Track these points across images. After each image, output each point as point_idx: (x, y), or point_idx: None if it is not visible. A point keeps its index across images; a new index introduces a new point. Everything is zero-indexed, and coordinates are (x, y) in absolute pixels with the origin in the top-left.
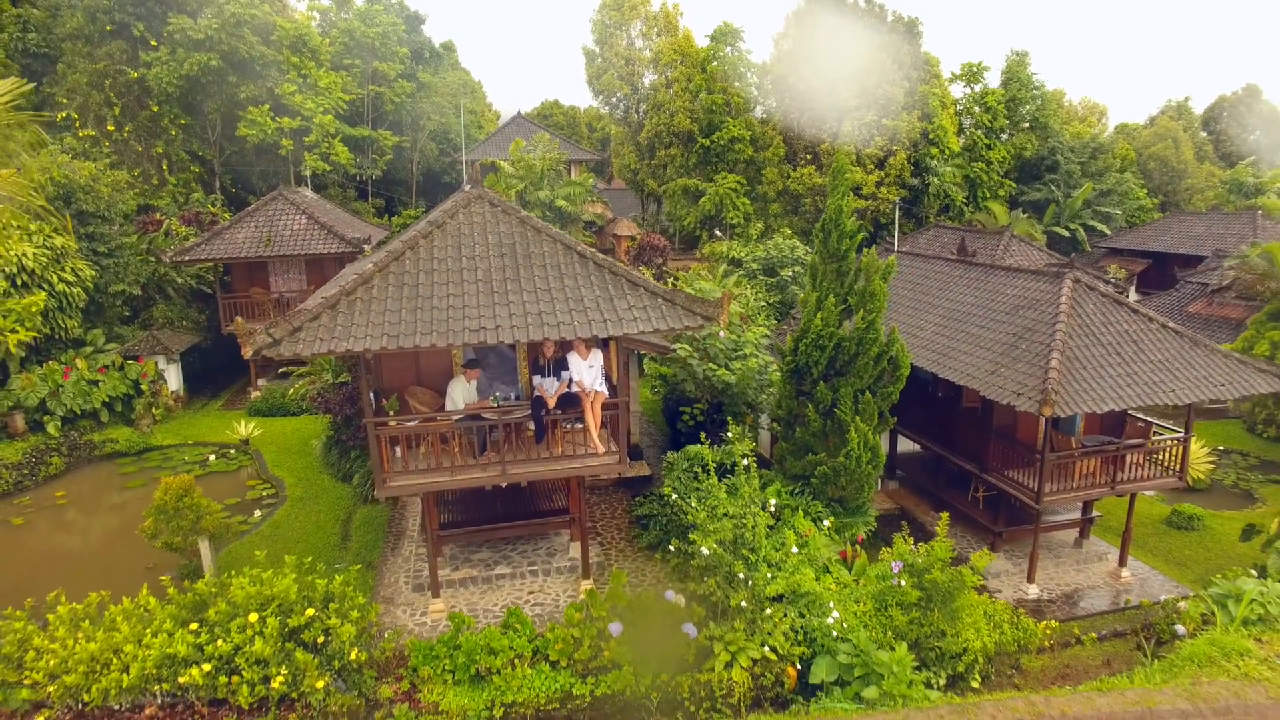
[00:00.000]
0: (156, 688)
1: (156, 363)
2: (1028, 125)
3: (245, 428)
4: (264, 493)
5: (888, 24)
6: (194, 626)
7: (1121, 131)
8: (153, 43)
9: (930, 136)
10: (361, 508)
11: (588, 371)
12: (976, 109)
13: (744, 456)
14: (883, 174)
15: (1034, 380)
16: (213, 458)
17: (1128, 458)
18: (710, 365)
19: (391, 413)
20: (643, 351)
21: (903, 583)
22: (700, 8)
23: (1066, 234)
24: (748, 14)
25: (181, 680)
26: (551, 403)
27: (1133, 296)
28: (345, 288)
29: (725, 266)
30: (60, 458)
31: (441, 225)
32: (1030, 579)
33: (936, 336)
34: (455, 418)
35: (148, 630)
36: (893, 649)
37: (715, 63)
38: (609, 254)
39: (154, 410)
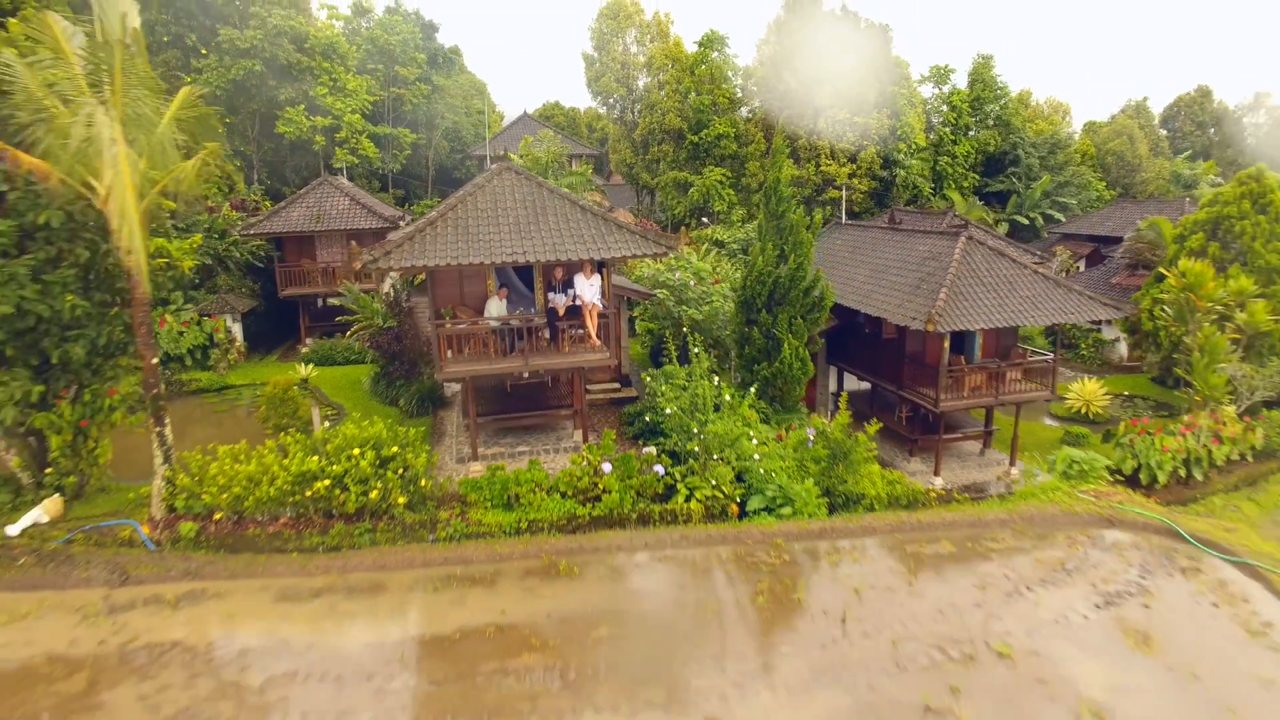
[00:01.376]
0: (291, 499)
1: (225, 320)
2: (992, 123)
3: (304, 369)
4: (327, 413)
5: (861, 30)
6: (316, 456)
7: (1088, 129)
8: (203, 51)
9: (898, 133)
10: (408, 422)
11: (589, 288)
12: (944, 108)
13: (700, 360)
14: (854, 166)
15: (926, 308)
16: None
17: (1008, 374)
18: (683, 307)
19: (446, 318)
20: (632, 299)
21: (814, 444)
22: (691, 16)
23: (1026, 222)
24: (736, 21)
25: (308, 494)
26: (561, 312)
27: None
28: (418, 226)
29: (708, 246)
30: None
31: (481, 186)
32: (936, 473)
33: (864, 284)
34: (492, 324)
35: (286, 459)
36: (805, 493)
37: (703, 67)
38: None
39: (229, 356)
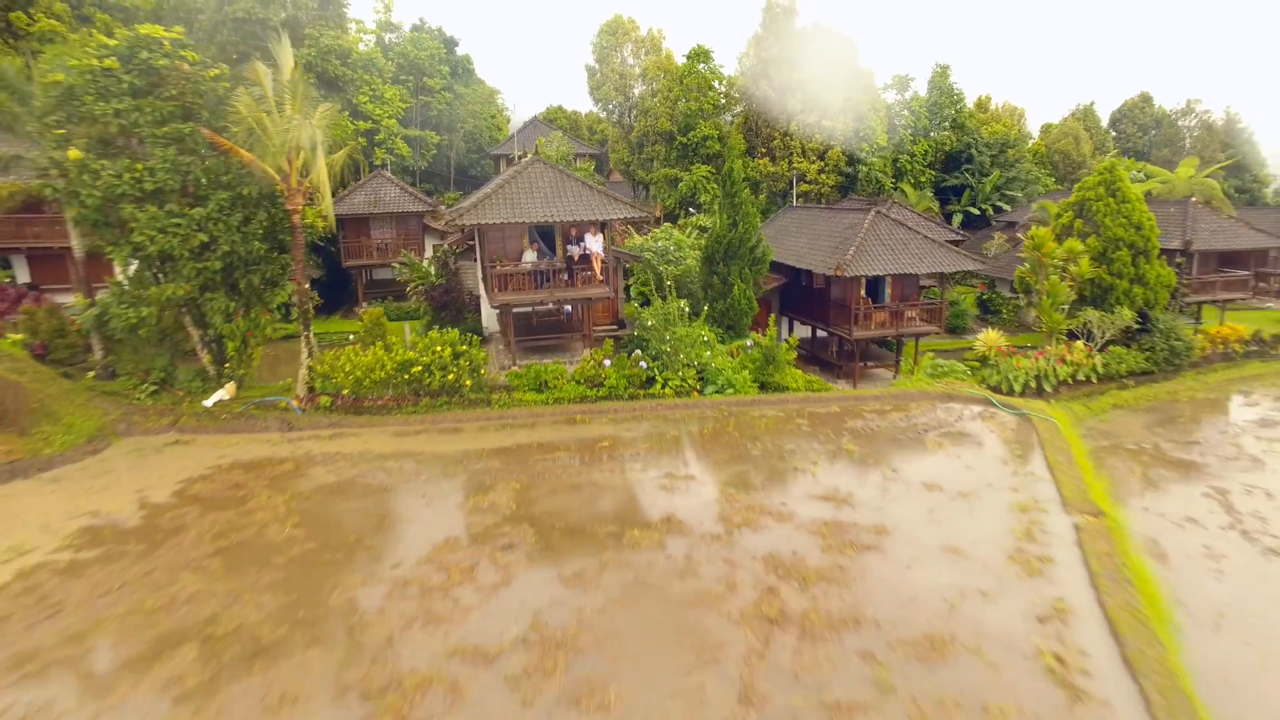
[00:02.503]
0: (394, 381)
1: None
2: (948, 125)
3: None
4: (414, 329)
5: (830, 44)
6: (412, 351)
7: (1043, 130)
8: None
9: (861, 134)
10: None
11: (595, 243)
12: (905, 112)
13: (673, 297)
14: (823, 163)
15: (839, 259)
16: (351, 336)
17: (905, 313)
18: (665, 265)
19: (498, 263)
20: (627, 265)
21: (751, 350)
22: (681, 32)
23: (978, 212)
24: (721, 34)
25: (405, 376)
26: (576, 259)
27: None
28: (478, 197)
29: (693, 229)
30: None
31: (520, 172)
32: (854, 387)
33: (803, 248)
34: (526, 268)
35: (389, 354)
36: (742, 379)
37: (691, 77)
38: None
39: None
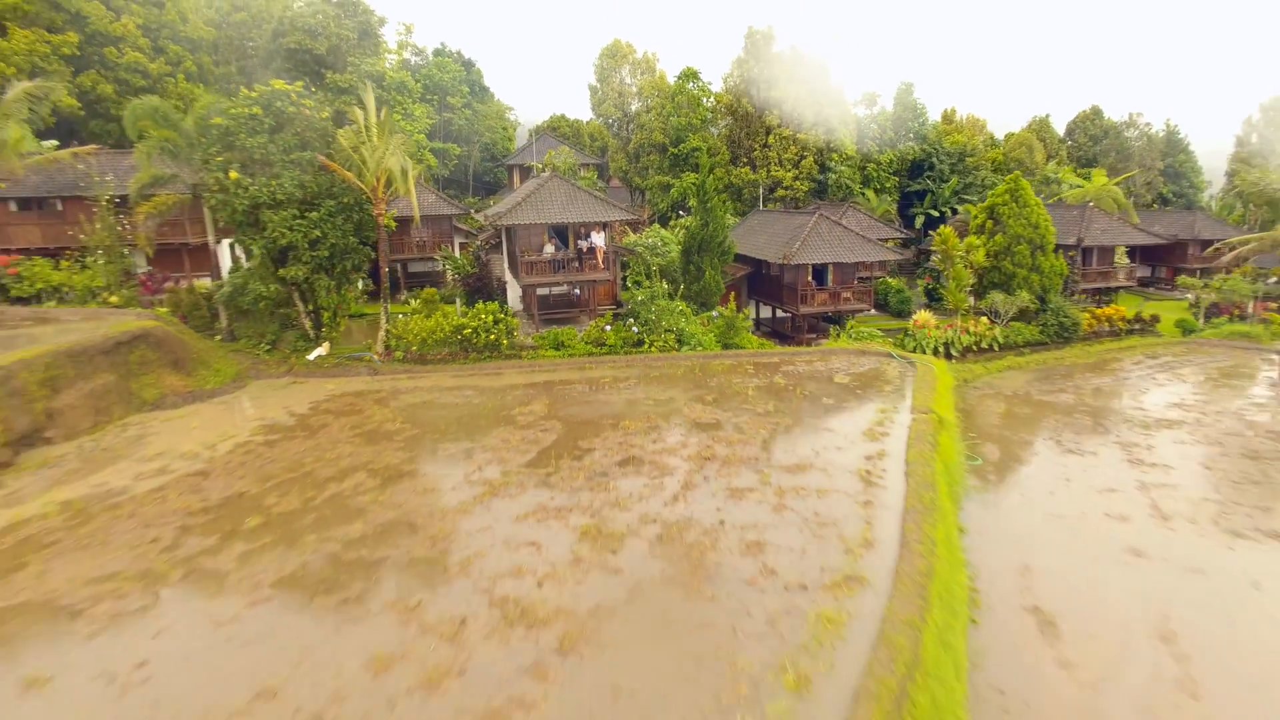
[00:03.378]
0: (449, 340)
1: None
2: (911, 137)
3: (414, 304)
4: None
5: (804, 66)
6: (463, 318)
7: (1005, 140)
8: (313, 89)
9: (831, 145)
10: None
11: (599, 238)
12: (873, 126)
13: (657, 280)
14: (797, 171)
15: (780, 251)
16: (400, 316)
17: (841, 294)
18: (654, 257)
19: (526, 254)
20: (627, 261)
21: (717, 319)
22: (674, 53)
23: (938, 215)
24: (711, 53)
25: (458, 337)
26: (584, 250)
27: None
28: (510, 203)
29: (681, 230)
30: None
31: (541, 185)
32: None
33: (764, 243)
34: (547, 258)
35: (445, 319)
36: (709, 339)
37: (681, 95)
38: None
39: (361, 297)
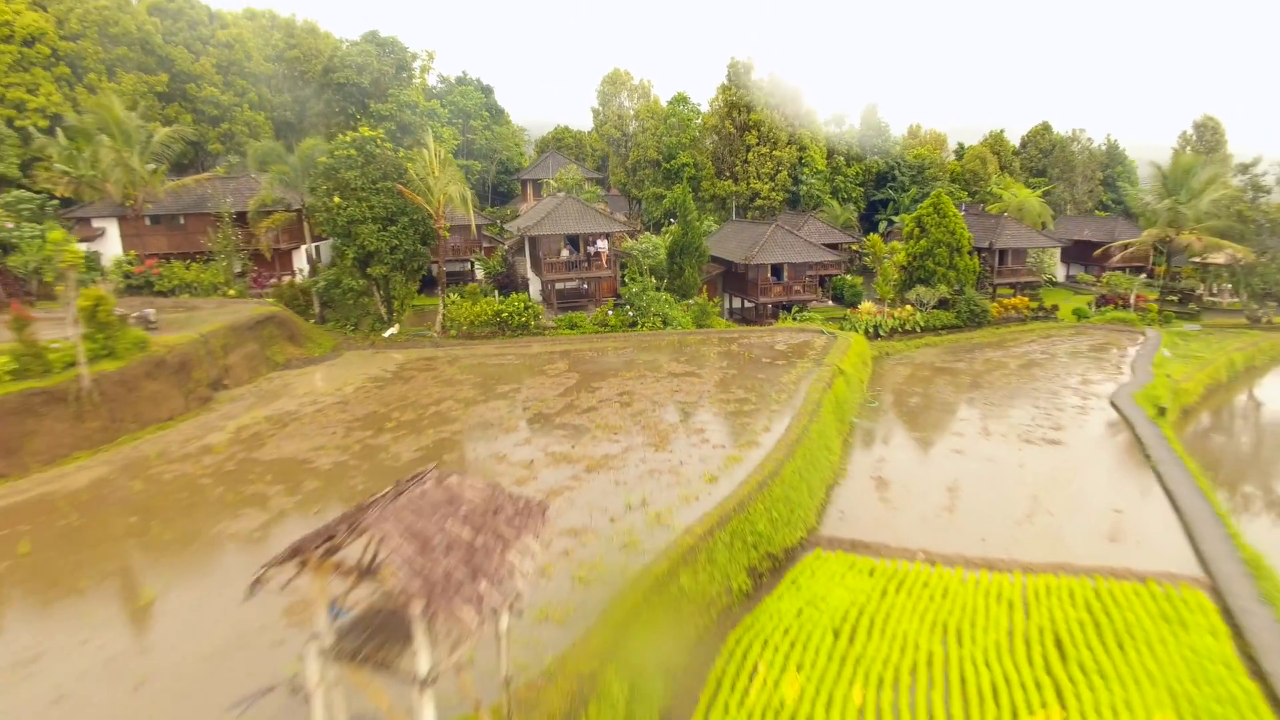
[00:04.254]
0: (492, 320)
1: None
2: (876, 152)
3: (454, 296)
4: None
5: (780, 91)
6: (499, 304)
7: (967, 153)
8: (359, 117)
9: (803, 160)
10: None
11: (603, 244)
12: (841, 143)
13: (647, 277)
14: (774, 184)
15: (744, 254)
16: (390, 331)
17: (793, 287)
18: (645, 258)
19: (546, 258)
20: (625, 262)
21: (693, 306)
22: (668, 78)
23: (899, 221)
24: (701, 76)
25: (496, 318)
26: (592, 253)
27: None
28: (535, 218)
29: (670, 236)
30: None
31: (559, 204)
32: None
33: (735, 247)
34: (563, 260)
35: (490, 306)
36: (687, 321)
37: (672, 118)
38: (609, 236)
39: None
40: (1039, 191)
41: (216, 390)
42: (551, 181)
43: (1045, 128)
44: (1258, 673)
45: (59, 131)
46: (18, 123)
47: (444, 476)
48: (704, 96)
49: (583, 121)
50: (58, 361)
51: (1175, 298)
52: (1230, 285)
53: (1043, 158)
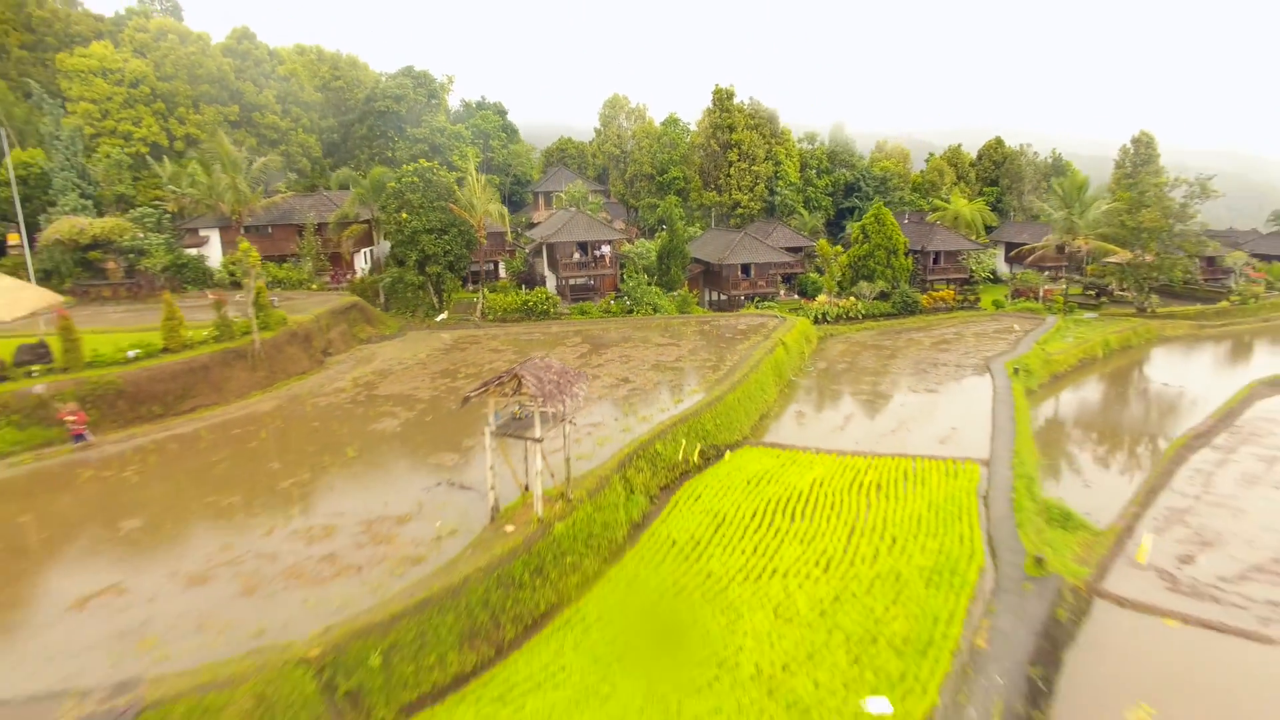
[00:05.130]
0: (520, 308)
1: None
2: (842, 165)
3: (485, 291)
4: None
5: (758, 113)
6: (526, 295)
7: (928, 164)
8: (396, 139)
9: (778, 174)
10: None
11: (607, 248)
12: (811, 159)
13: (641, 275)
14: (752, 195)
15: (719, 256)
16: (441, 316)
17: (758, 282)
18: (640, 259)
19: (561, 259)
20: (624, 262)
21: (676, 297)
22: (662, 100)
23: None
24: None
25: (524, 307)
26: (598, 256)
27: None
28: (553, 228)
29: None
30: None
31: (571, 218)
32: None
33: (714, 250)
34: (575, 261)
35: (519, 297)
36: (672, 309)
37: (664, 137)
38: (611, 242)
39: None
40: (980, 202)
41: (326, 356)
42: (562, 195)
43: (998, 142)
44: (982, 494)
45: (164, 159)
46: (126, 150)
47: (543, 358)
48: (695, 110)
49: (578, 118)
50: (239, 330)
51: (1094, 292)
52: (1122, 280)
53: (995, 169)
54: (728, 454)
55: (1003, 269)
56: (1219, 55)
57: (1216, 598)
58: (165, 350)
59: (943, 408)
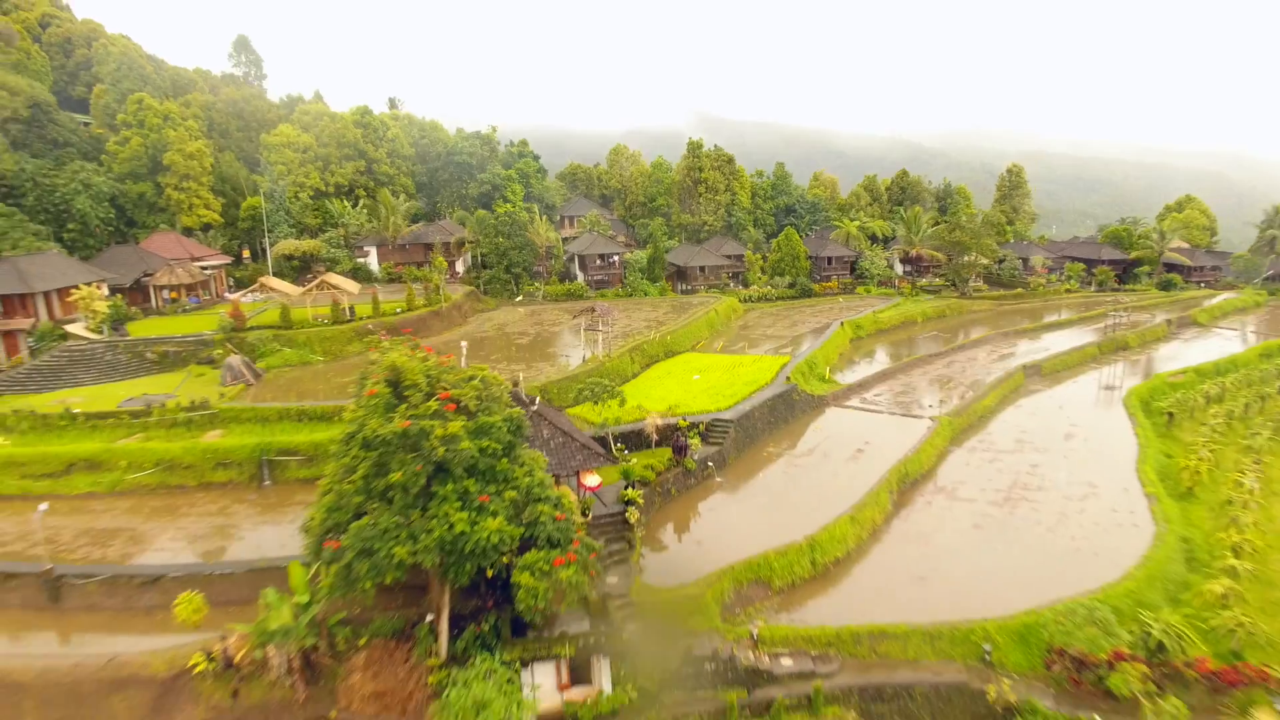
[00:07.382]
0: (564, 294)
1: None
2: (782, 194)
3: (539, 284)
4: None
5: (721, 159)
6: (570, 287)
7: (852, 191)
8: (469, 182)
9: (734, 201)
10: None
11: (616, 257)
12: (759, 190)
13: (637, 274)
14: (714, 217)
15: (685, 260)
16: (519, 298)
17: (710, 277)
18: (635, 263)
19: (589, 263)
20: (626, 264)
21: (658, 286)
22: (653, 147)
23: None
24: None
25: (568, 291)
26: (611, 261)
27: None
28: (584, 245)
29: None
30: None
31: (594, 239)
32: None
33: (681, 257)
34: (597, 264)
35: (564, 286)
36: (655, 294)
37: (655, 174)
38: (619, 253)
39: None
40: (880, 221)
41: (465, 319)
42: (584, 219)
43: (904, 174)
44: (786, 367)
45: (327, 200)
46: (301, 195)
47: (599, 304)
48: (691, 114)
49: (576, 121)
50: (434, 300)
51: (951, 283)
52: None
53: (901, 193)
54: (679, 356)
55: (898, 268)
56: (1206, 58)
57: (875, 402)
58: (409, 309)
59: (792, 341)
